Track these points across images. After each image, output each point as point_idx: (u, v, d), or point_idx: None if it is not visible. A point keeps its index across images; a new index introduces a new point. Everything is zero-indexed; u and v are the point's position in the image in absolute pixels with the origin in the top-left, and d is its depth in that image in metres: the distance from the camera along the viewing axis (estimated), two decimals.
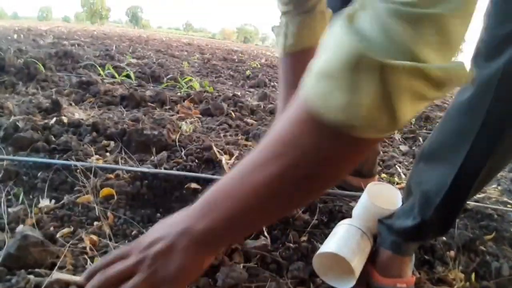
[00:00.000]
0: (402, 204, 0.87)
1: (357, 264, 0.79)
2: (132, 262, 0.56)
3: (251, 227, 0.58)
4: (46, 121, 1.43)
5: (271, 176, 0.48)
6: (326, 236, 1.00)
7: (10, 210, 0.97)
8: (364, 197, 0.92)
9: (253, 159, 0.52)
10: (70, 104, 1.85)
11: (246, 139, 1.64)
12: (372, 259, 0.86)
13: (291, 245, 0.95)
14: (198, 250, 0.55)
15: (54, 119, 1.45)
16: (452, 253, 1.04)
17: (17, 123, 1.36)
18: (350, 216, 0.97)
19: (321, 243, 0.95)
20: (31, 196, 1.03)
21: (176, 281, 0.55)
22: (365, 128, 0.43)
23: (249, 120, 1.95)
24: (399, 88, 0.40)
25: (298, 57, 0.96)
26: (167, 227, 0.59)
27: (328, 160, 0.47)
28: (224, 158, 1.28)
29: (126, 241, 0.90)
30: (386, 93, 0.40)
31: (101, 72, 2.39)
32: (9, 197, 1.03)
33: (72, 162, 1.10)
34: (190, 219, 0.56)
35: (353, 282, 0.78)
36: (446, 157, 0.74)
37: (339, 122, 0.43)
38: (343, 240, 0.82)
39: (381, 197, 0.94)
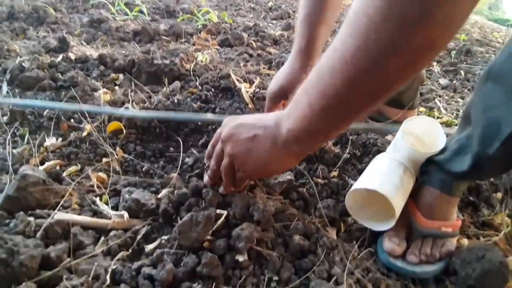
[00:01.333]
0: (453, 138, 0.72)
1: (399, 203, 0.67)
2: (219, 149, 0.66)
3: (335, 123, 0.53)
4: (52, 59, 1.34)
5: (352, 50, 0.43)
6: (359, 171, 0.88)
7: (15, 151, 0.90)
8: (399, 137, 0.77)
9: (329, 47, 0.47)
10: (81, 44, 1.74)
11: (269, 68, 1.48)
12: (414, 197, 0.73)
13: (320, 180, 0.83)
14: (280, 153, 0.58)
15: (61, 56, 1.35)
16: (499, 195, 0.90)
17: (23, 63, 1.27)
18: (385, 150, 0.83)
19: (354, 180, 0.83)
20: (37, 136, 0.96)
21: (252, 173, 0.66)
22: None
23: (272, 50, 1.78)
24: None
25: None
26: (257, 119, 0.62)
27: (422, 21, 0.38)
28: (243, 86, 1.14)
29: (137, 177, 0.81)
30: None
31: (113, 10, 2.24)
32: (15, 138, 0.96)
33: (72, 107, 1.00)
34: (276, 121, 0.58)
35: (393, 223, 0.67)
36: None
37: None
38: (384, 176, 0.70)
39: (421, 134, 0.79)
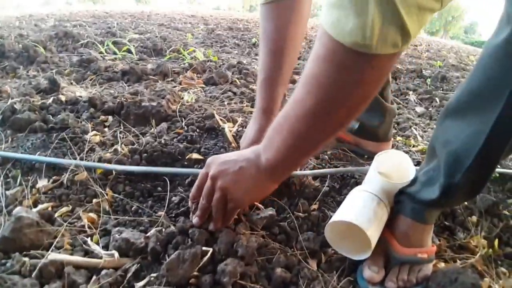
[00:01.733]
0: (422, 169, 0.79)
1: (374, 234, 0.72)
2: (209, 186, 0.74)
3: (303, 154, 0.69)
4: (43, 101, 1.39)
5: (308, 105, 0.58)
6: (338, 204, 0.93)
7: (7, 192, 0.93)
8: (373, 171, 0.84)
9: (291, 99, 0.62)
10: (71, 83, 1.80)
11: (252, 106, 1.56)
12: (390, 227, 0.79)
13: (301, 214, 0.89)
14: (263, 178, 0.71)
15: (52, 98, 1.40)
16: (474, 218, 0.97)
17: (15, 105, 1.32)
18: (362, 182, 0.90)
19: (333, 212, 0.88)
20: (29, 178, 1.00)
21: (242, 202, 0.75)
22: (380, 44, 0.48)
23: (255, 87, 1.87)
24: (405, 3, 0.46)
25: (276, 5, 0.93)
26: (238, 155, 0.74)
27: (356, 81, 0.54)
28: (227, 126, 1.21)
29: (126, 217, 0.86)
30: (395, 11, 0.46)
31: (102, 50, 2.33)
32: (8, 179, 1.00)
33: (66, 161, 1.05)
34: (255, 153, 0.71)
35: (369, 253, 0.72)
36: (478, 111, 0.64)
37: (355, 44, 0.49)
38: (358, 208, 0.76)
39: (392, 167, 0.86)
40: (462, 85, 0.69)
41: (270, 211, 0.85)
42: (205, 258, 0.68)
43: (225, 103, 1.55)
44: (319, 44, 0.54)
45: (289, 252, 0.78)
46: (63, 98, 1.40)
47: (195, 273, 0.67)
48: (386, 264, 0.76)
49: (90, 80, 1.86)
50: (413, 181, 0.79)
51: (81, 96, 1.43)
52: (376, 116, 1.16)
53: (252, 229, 0.81)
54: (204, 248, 0.70)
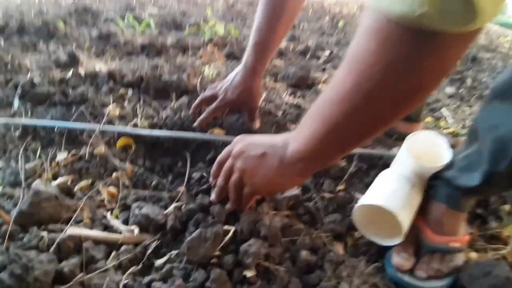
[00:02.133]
0: (460, 153, 0.73)
1: (406, 219, 0.68)
2: (228, 165, 0.70)
3: (336, 148, 0.58)
4: (63, 74, 1.37)
5: (347, 87, 0.48)
6: (365, 185, 0.89)
7: (27, 166, 0.92)
8: (404, 153, 0.78)
9: (330, 83, 0.52)
10: (91, 58, 1.78)
11: (275, 80, 1.50)
12: (422, 213, 0.74)
13: (326, 195, 0.85)
14: (286, 171, 0.63)
15: (71, 72, 1.38)
16: (507, 207, 0.90)
17: (34, 79, 1.30)
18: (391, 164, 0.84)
19: (360, 193, 0.84)
20: (48, 150, 0.98)
21: (259, 189, 0.69)
22: (438, 18, 0.38)
23: (277, 62, 1.80)
24: None
25: None
26: (268, 139, 0.67)
27: (404, 64, 0.43)
28: None
29: (146, 191, 0.83)
30: None
31: (121, 24, 2.29)
32: (27, 153, 0.99)
33: (80, 125, 1.03)
34: (284, 141, 0.63)
35: (400, 239, 0.68)
36: None
37: (408, 15, 0.39)
38: (391, 191, 0.71)
39: (424, 149, 0.80)
40: (511, 66, 0.62)
41: (295, 191, 0.80)
42: (227, 238, 0.65)
43: None
44: (364, 17, 0.46)
45: (314, 234, 0.74)
46: (82, 71, 1.38)
47: (217, 252, 0.63)
48: (417, 251, 0.72)
49: (110, 54, 1.83)
50: (450, 165, 0.73)
51: (100, 70, 1.40)
52: None
53: (275, 209, 0.77)
54: (226, 226, 0.67)
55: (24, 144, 1.01)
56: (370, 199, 0.70)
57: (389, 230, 0.71)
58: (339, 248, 0.75)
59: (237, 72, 1.00)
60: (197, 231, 0.63)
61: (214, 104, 0.99)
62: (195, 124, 0.98)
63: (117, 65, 1.60)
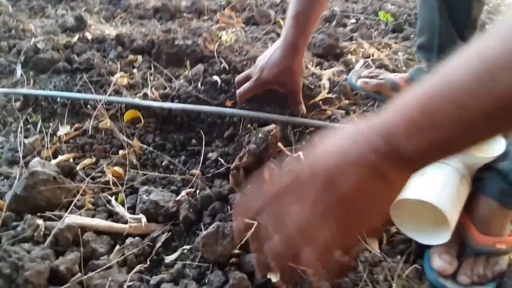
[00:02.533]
0: None
1: (454, 217, 0.58)
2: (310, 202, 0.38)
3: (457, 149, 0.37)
4: (69, 39, 1.26)
5: (494, 55, 0.30)
6: None
7: (26, 141, 0.83)
8: None
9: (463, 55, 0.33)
10: (100, 22, 1.66)
11: None
12: (468, 209, 0.63)
13: None
14: (391, 176, 0.37)
15: (77, 36, 1.27)
16: None
17: (38, 44, 1.20)
18: None
19: None
20: (50, 124, 0.89)
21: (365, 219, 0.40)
22: None
23: None
24: None
25: None
26: (349, 143, 0.38)
27: None
28: None
29: (156, 173, 0.74)
30: None
31: None
32: (28, 126, 0.90)
33: (83, 96, 0.93)
34: (384, 139, 0.36)
35: (446, 238, 0.58)
36: None
37: None
38: (439, 185, 0.60)
39: None
40: None
41: None
42: (249, 233, 0.55)
43: (269, 45, 1.36)
44: None
45: None
46: (89, 36, 1.27)
47: (236, 251, 0.53)
48: (459, 252, 0.63)
49: (120, 18, 1.71)
50: (504, 156, 0.62)
51: (109, 34, 1.28)
52: None
53: None
54: (247, 220, 0.56)
55: (25, 116, 0.92)
56: (416, 193, 0.59)
57: (430, 226, 0.61)
58: (374, 246, 0.65)
59: (275, 47, 0.84)
60: (214, 226, 0.53)
61: (247, 85, 0.83)
62: None
63: (128, 29, 1.48)
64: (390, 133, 0.35)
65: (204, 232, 0.54)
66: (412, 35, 1.64)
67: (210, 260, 0.53)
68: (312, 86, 0.93)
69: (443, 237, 0.58)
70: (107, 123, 0.81)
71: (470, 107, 0.32)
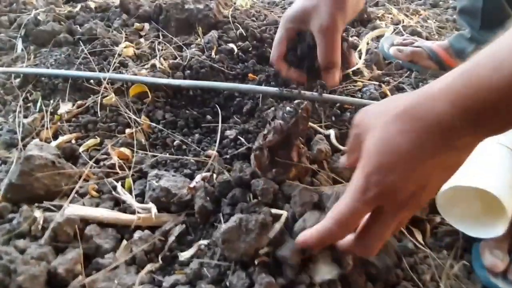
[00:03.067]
0: None
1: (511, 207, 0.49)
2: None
3: None
4: (70, 9, 1.16)
5: None
6: None
7: (25, 121, 0.75)
8: None
9: None
10: None
11: None
12: None
13: None
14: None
15: (79, 5, 1.17)
16: None
17: (38, 16, 1.11)
18: None
19: None
20: (51, 101, 0.81)
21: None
22: None
23: None
24: None
25: None
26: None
27: None
28: None
29: (167, 154, 0.65)
30: None
31: None
32: (28, 104, 0.82)
33: (84, 73, 0.84)
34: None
35: (501, 231, 0.50)
36: None
37: None
38: (495, 170, 0.53)
39: None
40: None
41: None
42: (278, 226, 0.46)
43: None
44: None
45: None
46: (92, 5, 1.17)
47: (264, 249, 0.45)
48: (510, 247, 0.54)
49: None
50: None
51: (113, 1, 1.18)
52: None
53: (335, 182, 0.57)
54: (274, 211, 0.48)
55: (24, 94, 0.84)
56: (469, 179, 0.50)
57: (480, 216, 0.53)
58: (418, 238, 0.56)
59: None
60: (235, 219, 0.44)
61: (276, 38, 0.65)
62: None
63: None
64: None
65: (224, 226, 0.45)
66: (441, 2, 1.49)
67: (232, 258, 0.45)
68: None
69: (497, 229, 0.50)
70: (111, 98, 0.73)
71: None
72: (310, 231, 0.40)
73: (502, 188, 0.49)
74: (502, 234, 0.50)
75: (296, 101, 0.50)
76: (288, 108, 0.48)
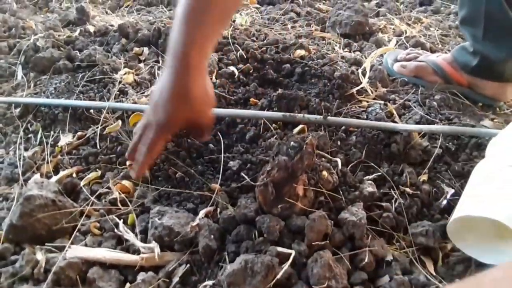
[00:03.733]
0: None
1: None
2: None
3: None
4: (69, 34, 1.16)
5: None
6: (455, 174, 0.66)
7: (26, 154, 0.75)
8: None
9: None
10: (106, 12, 1.56)
11: (322, 30, 1.22)
12: None
13: (408, 190, 0.61)
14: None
15: (79, 29, 1.17)
16: None
17: (37, 42, 1.11)
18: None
19: (449, 186, 0.63)
20: (51, 132, 0.80)
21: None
22: None
23: (323, 6, 1.49)
24: None
25: None
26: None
27: None
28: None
29: (170, 187, 0.64)
30: None
31: None
32: (28, 135, 0.81)
33: (84, 103, 0.83)
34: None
35: None
36: None
37: None
38: (505, 195, 0.49)
39: None
40: None
41: (369, 187, 0.58)
42: (285, 267, 0.44)
43: (289, 26, 1.23)
44: None
45: (397, 248, 0.53)
46: (91, 29, 1.17)
47: None
48: None
49: (126, 7, 1.60)
50: None
51: (112, 25, 1.18)
52: (503, 46, 0.80)
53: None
54: (280, 249, 0.46)
55: (24, 124, 0.83)
56: (480, 208, 0.48)
57: (492, 241, 0.52)
58: (429, 268, 0.54)
59: (166, 69, 0.57)
60: (240, 261, 0.43)
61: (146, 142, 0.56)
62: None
63: (135, 18, 1.37)
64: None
65: (229, 268, 0.44)
66: (442, 8, 1.48)
67: None
68: (345, 73, 0.81)
69: (510, 254, 0.49)
70: (116, 126, 0.72)
71: None
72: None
73: None
74: None
75: (301, 135, 0.49)
76: (292, 143, 0.47)
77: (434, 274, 0.54)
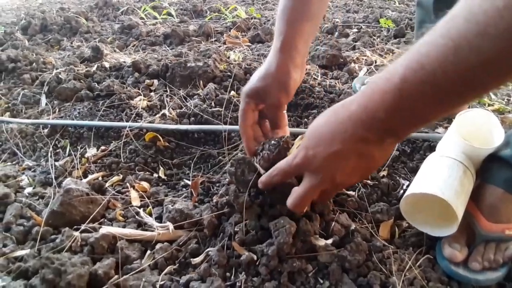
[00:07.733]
0: None
1: (460, 208, 0.61)
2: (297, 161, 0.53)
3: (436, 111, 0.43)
4: (88, 69, 1.35)
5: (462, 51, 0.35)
6: (410, 170, 0.84)
7: (57, 163, 0.90)
8: (453, 133, 0.70)
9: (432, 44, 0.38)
10: (115, 51, 1.75)
11: (306, 62, 1.42)
12: (474, 199, 0.67)
13: (369, 182, 0.78)
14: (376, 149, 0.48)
15: (96, 66, 1.35)
16: None
17: (59, 75, 1.29)
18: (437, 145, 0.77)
19: (405, 179, 0.79)
20: (78, 147, 0.96)
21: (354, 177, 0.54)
22: None
23: None
24: None
25: None
26: (334, 125, 0.50)
27: None
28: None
29: (178, 191, 0.79)
30: None
31: (142, 15, 2.26)
32: (57, 150, 0.97)
33: (107, 124, 1.00)
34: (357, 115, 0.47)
35: (454, 229, 0.61)
36: None
37: None
38: (443, 178, 0.64)
39: (474, 129, 0.72)
40: None
41: None
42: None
43: None
44: None
45: (358, 225, 0.69)
46: (107, 65, 1.35)
47: None
48: (469, 241, 0.65)
49: (133, 46, 1.81)
50: (505, 145, 0.66)
51: (124, 62, 1.37)
52: None
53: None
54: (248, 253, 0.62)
55: (53, 142, 0.99)
56: (422, 187, 0.63)
57: (439, 218, 0.64)
58: (385, 236, 0.69)
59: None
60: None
61: (240, 108, 0.70)
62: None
63: (141, 56, 1.57)
64: (371, 115, 0.44)
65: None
66: (414, 39, 1.69)
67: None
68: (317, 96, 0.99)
69: (451, 228, 0.62)
70: (150, 134, 0.88)
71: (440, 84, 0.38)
72: (266, 175, 0.59)
73: (450, 193, 0.60)
74: (457, 231, 0.61)
75: (279, 136, 0.65)
76: (273, 142, 0.63)
77: (390, 244, 0.68)
